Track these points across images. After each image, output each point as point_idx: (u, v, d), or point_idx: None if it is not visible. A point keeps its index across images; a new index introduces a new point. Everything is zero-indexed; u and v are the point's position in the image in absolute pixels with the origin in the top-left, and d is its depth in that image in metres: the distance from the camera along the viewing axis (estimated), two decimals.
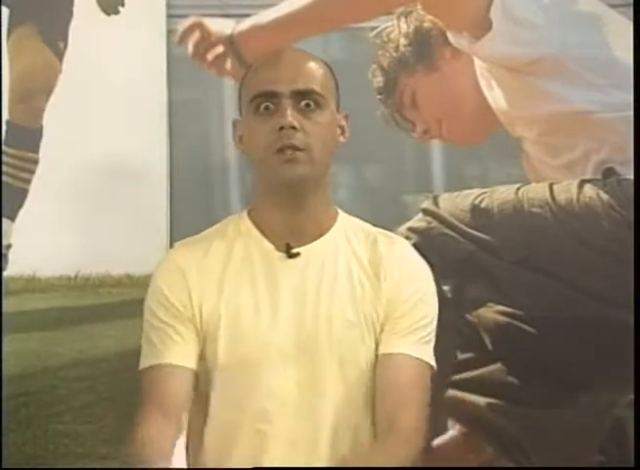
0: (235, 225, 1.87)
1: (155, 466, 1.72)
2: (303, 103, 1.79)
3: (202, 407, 1.81)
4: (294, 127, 1.76)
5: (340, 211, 1.89)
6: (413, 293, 1.84)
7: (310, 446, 1.76)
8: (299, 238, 1.82)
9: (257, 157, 1.80)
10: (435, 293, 1.90)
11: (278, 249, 1.82)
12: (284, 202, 1.81)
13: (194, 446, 1.82)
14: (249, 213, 1.87)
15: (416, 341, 1.82)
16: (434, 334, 1.86)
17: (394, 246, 1.88)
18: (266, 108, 1.79)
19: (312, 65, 1.85)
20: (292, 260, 1.81)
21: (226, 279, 1.81)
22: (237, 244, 1.84)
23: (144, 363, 1.81)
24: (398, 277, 1.84)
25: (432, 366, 1.84)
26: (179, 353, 1.79)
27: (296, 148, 1.76)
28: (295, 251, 1.81)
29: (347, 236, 1.86)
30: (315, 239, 1.83)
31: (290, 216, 1.81)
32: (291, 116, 1.77)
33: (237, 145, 1.87)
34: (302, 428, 1.76)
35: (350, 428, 1.78)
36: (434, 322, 1.87)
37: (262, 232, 1.84)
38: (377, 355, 1.81)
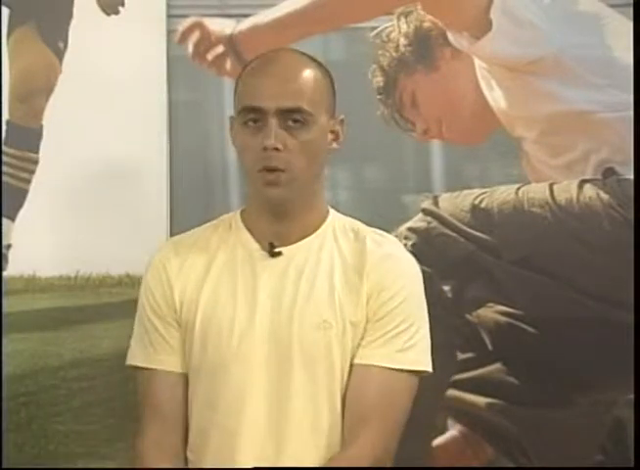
0: (227, 223, 1.88)
1: None
2: (290, 119, 1.77)
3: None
4: (276, 149, 1.75)
5: (331, 212, 1.87)
6: (395, 293, 1.79)
7: (278, 449, 1.75)
8: (285, 239, 1.82)
9: (245, 170, 1.81)
10: (423, 292, 1.82)
11: (263, 248, 1.82)
12: (270, 213, 1.81)
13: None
14: (241, 213, 1.88)
15: (393, 349, 1.77)
16: (421, 335, 1.79)
17: (382, 245, 1.84)
18: (254, 121, 1.78)
19: (303, 76, 1.80)
20: (273, 260, 1.81)
21: (208, 280, 1.82)
22: (224, 244, 1.84)
23: (136, 360, 1.83)
24: (379, 276, 1.79)
25: (417, 371, 1.78)
26: (171, 360, 1.81)
27: (277, 169, 1.76)
28: (277, 250, 1.81)
29: (335, 235, 1.84)
30: (300, 240, 1.83)
31: (275, 222, 1.82)
32: (274, 135, 1.75)
33: (233, 142, 1.87)
34: (271, 428, 1.75)
35: (319, 429, 1.77)
36: (422, 323, 1.80)
37: (251, 232, 1.84)
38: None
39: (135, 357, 1.84)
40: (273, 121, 1.76)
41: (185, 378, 1.82)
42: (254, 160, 1.77)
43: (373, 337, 1.78)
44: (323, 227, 1.84)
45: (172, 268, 1.84)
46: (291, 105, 1.76)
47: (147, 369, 1.82)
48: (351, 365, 1.78)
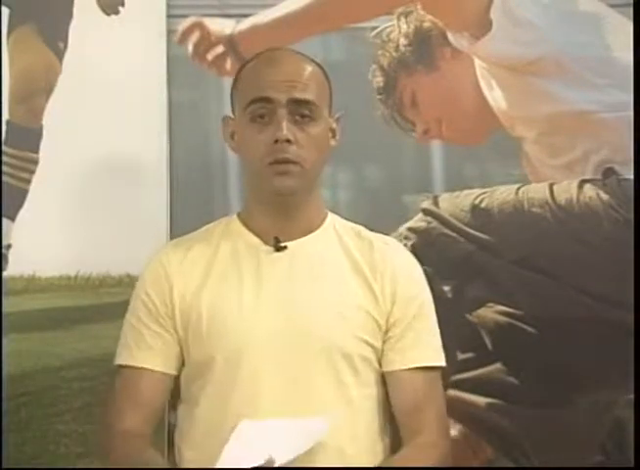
0: (224, 225, 1.88)
1: (134, 464, 1.73)
2: (298, 114, 1.78)
3: (190, 406, 1.81)
4: (288, 141, 1.76)
5: (329, 213, 1.89)
6: (415, 297, 1.84)
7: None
8: (288, 236, 1.83)
9: (252, 167, 1.81)
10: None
11: (265, 244, 1.82)
12: (273, 209, 1.82)
13: (180, 442, 1.83)
14: (238, 215, 1.89)
15: (427, 348, 1.83)
16: (437, 329, 1.86)
17: (390, 247, 1.88)
18: (261, 116, 1.78)
19: (308, 71, 1.83)
20: (279, 254, 1.81)
21: (211, 275, 1.82)
22: (224, 241, 1.85)
23: (120, 359, 1.84)
24: (398, 281, 1.83)
25: (443, 365, 1.86)
26: (153, 358, 1.81)
27: (289, 161, 1.77)
28: (282, 244, 1.82)
29: (339, 234, 1.86)
30: (304, 236, 1.84)
31: (278, 220, 1.82)
32: (286, 128, 1.76)
33: (228, 141, 1.87)
34: (288, 414, 1.74)
35: (339, 419, 1.76)
36: (435, 319, 1.87)
37: (251, 230, 1.85)
38: (379, 360, 1.81)
39: (120, 356, 1.83)
40: (283, 113, 1.77)
41: (169, 378, 1.81)
42: (264, 153, 1.78)
43: (406, 341, 1.82)
44: (325, 225, 1.86)
45: (172, 265, 1.84)
46: (301, 97, 1.78)
47: (131, 367, 1.81)
48: (385, 374, 1.81)
